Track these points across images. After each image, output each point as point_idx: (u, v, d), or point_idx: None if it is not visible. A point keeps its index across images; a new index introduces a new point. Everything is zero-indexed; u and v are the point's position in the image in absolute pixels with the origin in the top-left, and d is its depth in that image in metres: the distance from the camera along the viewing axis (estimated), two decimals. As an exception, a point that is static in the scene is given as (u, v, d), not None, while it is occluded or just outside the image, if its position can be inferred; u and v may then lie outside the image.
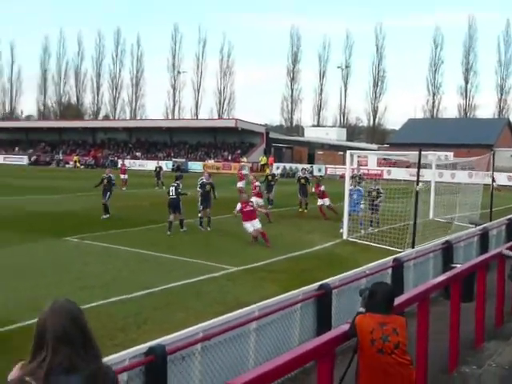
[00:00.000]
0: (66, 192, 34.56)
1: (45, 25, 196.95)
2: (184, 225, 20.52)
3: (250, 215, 18.58)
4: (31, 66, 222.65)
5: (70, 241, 18.21)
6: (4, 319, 9.88)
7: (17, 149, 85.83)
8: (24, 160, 78.23)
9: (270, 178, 28.58)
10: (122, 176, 40.10)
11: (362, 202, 21.15)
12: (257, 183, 26.14)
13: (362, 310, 5.32)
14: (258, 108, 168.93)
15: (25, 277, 13.36)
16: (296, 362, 5.02)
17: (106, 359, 5.29)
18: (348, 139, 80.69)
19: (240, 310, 7.35)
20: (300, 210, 26.87)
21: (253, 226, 18.42)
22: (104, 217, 23.41)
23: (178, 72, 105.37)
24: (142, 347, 5.71)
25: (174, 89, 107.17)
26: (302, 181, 27.45)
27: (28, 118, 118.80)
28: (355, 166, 29.67)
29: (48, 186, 39.10)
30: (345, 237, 19.66)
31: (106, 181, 24.33)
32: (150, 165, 62.75)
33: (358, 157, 37.23)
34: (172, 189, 20.63)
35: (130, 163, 69.14)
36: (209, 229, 20.72)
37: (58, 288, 12.32)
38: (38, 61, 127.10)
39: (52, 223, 21.94)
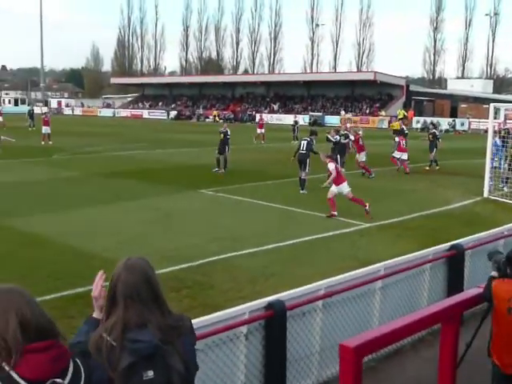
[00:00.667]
0: (205, 145, 35.50)
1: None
2: (305, 187, 18.94)
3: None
4: (174, 22, 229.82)
5: (205, 193, 18.74)
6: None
7: (160, 104, 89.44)
8: (167, 114, 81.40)
9: (430, 137, 27.07)
10: (259, 130, 40.61)
11: (495, 158, 19.78)
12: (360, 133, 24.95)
13: (494, 274, 4.94)
14: (399, 60, 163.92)
15: (159, 226, 13.94)
16: (419, 325, 4.76)
17: (227, 311, 5.39)
18: (495, 91, 76.06)
19: (365, 268, 7.14)
20: (426, 167, 25.82)
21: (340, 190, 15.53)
22: (216, 170, 23.79)
23: (317, 25, 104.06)
24: (262, 301, 5.70)
25: (313, 42, 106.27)
26: (430, 136, 26.45)
27: (171, 73, 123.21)
28: (502, 119, 27.97)
29: (189, 139, 40.53)
30: (485, 195, 18.63)
31: (222, 135, 24.62)
32: (288, 119, 63.31)
33: (506, 110, 34.91)
34: (304, 143, 19.64)
35: (267, 117, 69.84)
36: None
37: (192, 238, 12.75)
38: (180, 18, 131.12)
39: (189, 176, 22.70)
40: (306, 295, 6.05)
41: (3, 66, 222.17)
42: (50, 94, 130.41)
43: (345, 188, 15.47)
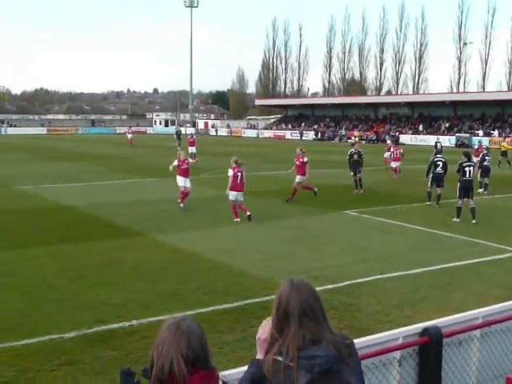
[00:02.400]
0: (347, 166, 35.30)
1: (330, 4, 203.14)
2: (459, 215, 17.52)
3: None
4: (317, 44, 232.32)
5: (350, 214, 18.62)
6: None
7: (303, 124, 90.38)
8: (309, 135, 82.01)
9: None
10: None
11: None
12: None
13: None
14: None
15: (307, 246, 14.01)
16: None
17: (380, 335, 5.29)
18: None
19: (526, 298, 6.73)
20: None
21: None
22: (356, 191, 23.85)
23: (465, 43, 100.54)
24: (417, 327, 5.52)
25: (460, 61, 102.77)
26: None
27: (314, 94, 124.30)
28: None
29: (331, 160, 40.61)
30: None
31: (356, 156, 24.57)
32: (432, 140, 61.37)
33: None
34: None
35: (411, 138, 68.33)
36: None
37: (336, 258, 12.71)
38: (323, 40, 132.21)
39: (334, 196, 22.70)
40: (462, 323, 5.79)
41: (155, 89, 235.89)
42: (197, 115, 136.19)
43: None
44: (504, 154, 36.25)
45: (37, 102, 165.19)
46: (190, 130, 62.10)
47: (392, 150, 30.58)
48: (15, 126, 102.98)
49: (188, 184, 19.60)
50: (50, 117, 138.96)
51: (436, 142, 38.20)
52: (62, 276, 11.23)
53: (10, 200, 21.21)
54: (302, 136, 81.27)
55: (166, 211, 18.95)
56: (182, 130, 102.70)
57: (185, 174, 19.66)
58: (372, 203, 20.60)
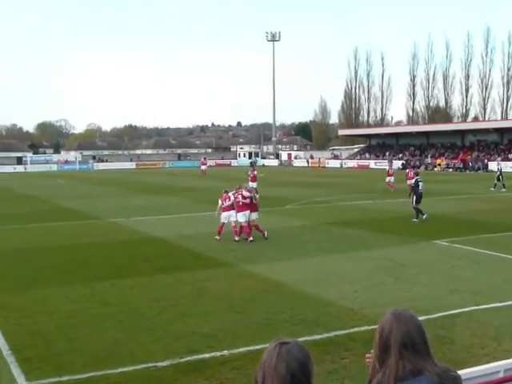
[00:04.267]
0: (434, 195, 34.67)
1: (413, 31, 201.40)
2: None
3: None
4: (400, 73, 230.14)
5: (440, 244, 18.15)
6: (375, 317, 10.26)
7: (387, 154, 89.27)
8: (394, 164, 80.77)
9: None
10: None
11: None
12: None
13: None
14: None
15: (397, 276, 13.75)
16: None
17: (478, 368, 5.11)
18: None
19: None
20: None
21: None
22: (414, 220, 23.38)
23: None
24: (518, 360, 5.31)
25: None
26: None
27: (397, 123, 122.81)
28: None
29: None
30: None
31: (413, 183, 24.62)
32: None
33: None
34: None
35: (501, 165, 66.09)
36: None
37: (428, 289, 12.39)
38: (406, 68, 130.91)
39: (422, 225, 22.23)
40: None
41: (238, 123, 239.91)
42: (280, 146, 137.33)
43: None
44: None
45: (126, 138, 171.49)
46: (252, 162, 60.68)
47: None
48: (106, 161, 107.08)
49: (232, 218, 19.59)
50: (138, 152, 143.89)
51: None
52: (155, 305, 11.51)
53: (103, 232, 22.01)
54: (391, 165, 79.99)
55: (253, 242, 19.08)
56: (266, 161, 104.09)
57: (229, 209, 19.62)
58: (463, 232, 20.02)
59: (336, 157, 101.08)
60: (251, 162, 60.46)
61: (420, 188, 23.68)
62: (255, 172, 36.97)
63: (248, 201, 19.33)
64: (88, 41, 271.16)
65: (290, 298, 11.91)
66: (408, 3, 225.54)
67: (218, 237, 19.39)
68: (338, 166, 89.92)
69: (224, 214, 19.46)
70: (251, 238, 19.14)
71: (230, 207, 19.47)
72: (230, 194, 19.85)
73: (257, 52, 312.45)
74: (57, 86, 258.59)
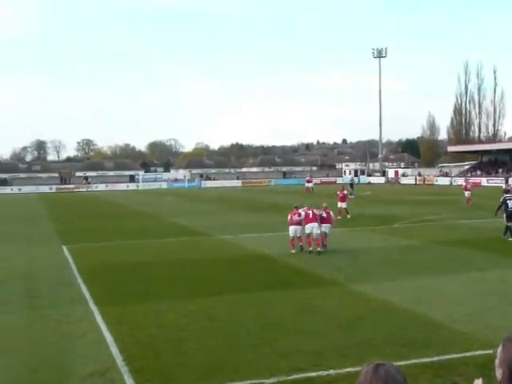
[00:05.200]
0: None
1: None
2: None
3: None
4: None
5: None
6: (489, 342, 9.81)
7: (500, 171, 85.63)
8: (508, 181, 77.37)
9: None
10: None
11: None
12: None
13: None
14: None
15: (508, 299, 13.11)
16: None
17: None
18: None
19: None
20: None
21: None
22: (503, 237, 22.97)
23: None
24: None
25: None
26: None
27: (511, 139, 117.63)
28: None
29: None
30: None
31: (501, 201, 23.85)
32: None
33: None
34: None
35: None
36: None
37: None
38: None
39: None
40: None
41: (344, 140, 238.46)
42: (387, 164, 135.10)
43: None
44: None
45: (232, 156, 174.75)
46: (351, 182, 59.33)
47: None
48: (214, 178, 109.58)
49: (298, 233, 20.71)
50: (244, 170, 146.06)
51: None
52: (260, 322, 11.59)
53: (211, 248, 22.47)
54: (507, 182, 77.00)
55: (360, 260, 18.85)
56: (372, 179, 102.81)
57: (297, 224, 20.70)
58: None
59: (445, 174, 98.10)
60: (351, 182, 59.58)
61: (510, 206, 23.08)
62: (345, 191, 35.15)
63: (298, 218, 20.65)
64: (195, 62, 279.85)
65: (398, 319, 11.63)
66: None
67: (292, 250, 20.50)
68: (448, 183, 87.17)
69: (291, 229, 20.60)
70: (293, 251, 20.47)
71: (299, 222, 20.58)
72: (301, 210, 21.01)
73: (362, 68, 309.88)
74: (166, 107, 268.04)
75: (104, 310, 12.84)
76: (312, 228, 20.44)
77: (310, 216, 20.58)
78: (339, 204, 33.20)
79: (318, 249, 20.28)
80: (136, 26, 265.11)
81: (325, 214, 20.86)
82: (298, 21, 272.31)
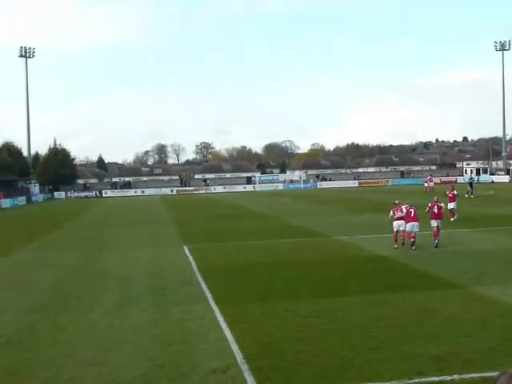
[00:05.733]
0: None
1: None
2: None
3: None
4: None
5: None
6: None
7: None
8: None
9: None
10: None
11: None
12: None
13: None
14: None
15: None
16: None
17: None
18: None
19: None
20: None
21: None
22: None
23: None
24: None
25: None
26: None
27: None
28: None
29: None
30: None
31: None
32: None
33: None
34: None
35: None
36: None
37: None
38: None
39: None
40: None
41: (464, 138, 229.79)
42: (511, 162, 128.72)
43: None
44: None
45: (348, 156, 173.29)
46: (471, 180, 56.68)
47: None
48: (330, 179, 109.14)
49: (402, 228, 21.84)
50: (360, 170, 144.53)
51: None
52: (380, 324, 11.43)
53: (329, 249, 22.43)
54: None
55: (484, 263, 18.12)
56: (495, 178, 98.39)
57: (400, 219, 21.87)
58: None
59: None
60: (470, 181, 57.16)
61: None
62: (454, 192, 32.51)
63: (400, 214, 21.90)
64: (310, 63, 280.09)
65: (526, 324, 11.09)
66: None
67: (395, 245, 21.73)
68: None
69: (395, 224, 21.82)
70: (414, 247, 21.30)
71: (401, 217, 21.70)
72: (403, 206, 22.29)
73: (483, 63, 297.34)
74: (281, 108, 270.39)
75: (224, 308, 13.17)
76: (412, 227, 21.31)
77: (412, 214, 21.43)
78: (449, 205, 31.73)
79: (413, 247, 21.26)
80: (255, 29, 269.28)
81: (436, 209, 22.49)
82: (417, 17, 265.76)
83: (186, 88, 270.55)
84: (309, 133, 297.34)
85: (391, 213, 22.22)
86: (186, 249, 23.78)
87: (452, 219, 30.82)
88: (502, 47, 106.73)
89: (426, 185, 65.64)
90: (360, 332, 10.98)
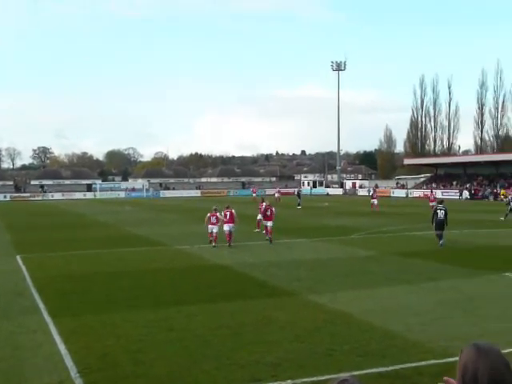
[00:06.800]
0: (503, 226, 33.90)
1: (481, 59, 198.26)
2: None
3: None
4: (468, 101, 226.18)
5: (510, 276, 17.59)
6: (442, 351, 10.03)
7: (454, 183, 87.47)
8: (462, 194, 79.08)
9: None
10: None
11: None
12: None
13: None
14: None
15: (465, 309, 13.40)
16: None
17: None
18: None
19: None
20: None
21: None
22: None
23: None
24: None
25: None
26: None
27: (465, 152, 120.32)
28: None
29: (483, 219, 39.02)
30: None
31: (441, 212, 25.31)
32: None
33: None
34: None
35: None
36: None
37: (497, 324, 12.00)
38: (474, 96, 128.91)
39: (491, 257, 21.66)
40: None
41: (303, 151, 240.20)
42: (345, 175, 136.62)
43: None
44: None
45: (192, 166, 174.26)
46: (298, 192, 63.35)
47: None
48: (173, 188, 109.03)
49: (215, 230, 26.05)
50: (203, 180, 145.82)
51: None
52: (218, 333, 11.58)
53: (169, 258, 22.37)
54: (461, 195, 78.78)
55: (319, 271, 19.01)
56: (330, 190, 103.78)
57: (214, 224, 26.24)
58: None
59: (401, 186, 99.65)
60: (298, 192, 61.68)
61: (439, 216, 25.10)
62: (264, 204, 30.39)
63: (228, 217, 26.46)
64: (160, 75, 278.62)
65: (354, 329, 11.77)
66: (476, 29, 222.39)
67: (213, 244, 25.83)
68: (404, 195, 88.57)
69: (209, 227, 26.06)
70: (229, 244, 25.98)
71: (217, 221, 26.06)
72: (218, 214, 26.41)
73: (322, 81, 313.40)
74: (124, 114, 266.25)
75: (59, 320, 12.64)
76: (229, 227, 26.17)
77: (228, 217, 26.30)
78: (259, 216, 31.65)
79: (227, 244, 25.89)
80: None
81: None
82: (256, 33, 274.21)
83: (23, 89, 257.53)
84: (152, 141, 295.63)
85: (208, 216, 26.25)
86: (19, 258, 22.55)
87: (257, 230, 31.63)
88: (338, 67, 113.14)
89: (253, 195, 74.58)
90: (198, 341, 11.04)
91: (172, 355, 10.18)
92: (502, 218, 39.40)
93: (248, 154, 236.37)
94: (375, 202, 51.71)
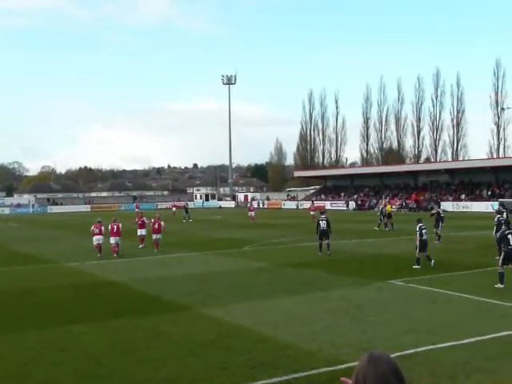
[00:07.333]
0: (388, 235, 35.40)
1: (366, 74, 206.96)
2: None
3: None
4: (354, 115, 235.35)
5: (395, 284, 18.36)
6: (333, 359, 10.31)
7: (342, 194, 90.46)
8: (349, 205, 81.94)
9: None
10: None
11: None
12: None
13: None
14: None
15: (354, 317, 13.83)
16: None
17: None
18: None
19: None
20: None
21: None
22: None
23: (502, 108, 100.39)
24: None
25: (498, 126, 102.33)
26: None
27: (352, 165, 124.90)
28: None
29: (368, 229, 40.58)
30: None
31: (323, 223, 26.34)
32: (474, 206, 61.99)
33: None
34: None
35: (453, 205, 68.00)
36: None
37: (385, 329, 12.50)
38: (359, 110, 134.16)
39: (377, 266, 22.49)
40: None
41: (195, 165, 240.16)
42: (237, 188, 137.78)
43: None
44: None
45: (81, 181, 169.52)
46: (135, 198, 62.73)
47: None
48: (61, 204, 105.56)
49: (100, 241, 27.81)
50: (93, 194, 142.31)
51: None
52: (111, 351, 11.30)
53: (57, 276, 21.61)
54: (347, 205, 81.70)
55: (212, 285, 19.00)
56: (222, 203, 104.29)
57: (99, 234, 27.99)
58: (418, 272, 20.33)
59: (292, 198, 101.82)
60: (185, 207, 60.85)
61: (321, 226, 26.25)
62: (144, 218, 32.15)
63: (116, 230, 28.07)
64: (46, 84, 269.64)
65: (248, 341, 11.85)
66: (360, 46, 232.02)
67: (99, 254, 27.01)
68: (294, 207, 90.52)
69: (95, 238, 27.63)
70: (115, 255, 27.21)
71: (101, 232, 27.61)
72: (102, 226, 27.96)
73: (214, 95, 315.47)
74: (8, 128, 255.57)
75: None
76: (115, 240, 27.60)
77: (115, 230, 27.80)
78: (139, 232, 31.71)
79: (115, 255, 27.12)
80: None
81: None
82: (148, 46, 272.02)
83: None
84: (39, 155, 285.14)
85: (92, 228, 27.96)
86: None
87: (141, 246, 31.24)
88: (229, 81, 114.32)
89: (174, 209, 68.80)
90: (89, 361, 10.71)
91: (62, 377, 9.82)
92: (376, 228, 41.06)
93: (139, 167, 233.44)
94: (252, 214, 53.81)
